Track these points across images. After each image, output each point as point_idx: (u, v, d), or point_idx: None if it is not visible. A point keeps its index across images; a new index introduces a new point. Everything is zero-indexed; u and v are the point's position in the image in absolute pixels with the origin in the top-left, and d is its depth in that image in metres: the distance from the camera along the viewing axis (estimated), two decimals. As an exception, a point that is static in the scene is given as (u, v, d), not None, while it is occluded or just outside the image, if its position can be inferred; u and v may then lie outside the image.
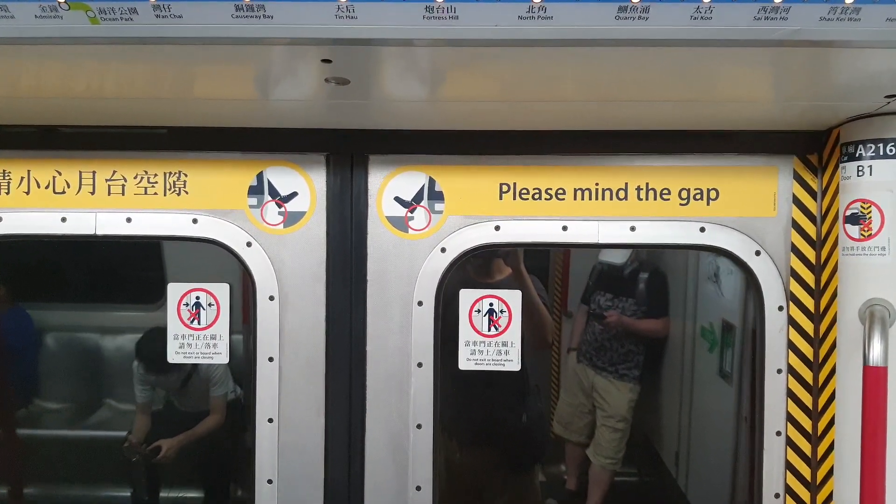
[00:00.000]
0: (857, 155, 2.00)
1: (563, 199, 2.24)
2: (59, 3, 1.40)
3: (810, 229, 2.21)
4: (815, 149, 2.19)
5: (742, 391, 4.01)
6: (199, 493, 4.49)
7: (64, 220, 2.27)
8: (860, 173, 1.99)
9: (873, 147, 1.97)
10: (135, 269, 5.19)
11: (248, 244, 2.27)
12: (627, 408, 4.54)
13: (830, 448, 2.13)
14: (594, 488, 4.53)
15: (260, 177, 2.28)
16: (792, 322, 2.21)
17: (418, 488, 2.29)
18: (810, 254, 2.21)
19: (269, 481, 2.30)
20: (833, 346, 2.11)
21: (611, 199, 2.24)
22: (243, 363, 4.18)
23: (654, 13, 1.38)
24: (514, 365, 2.32)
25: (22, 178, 2.28)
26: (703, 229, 2.22)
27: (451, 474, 3.38)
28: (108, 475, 4.43)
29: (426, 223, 2.27)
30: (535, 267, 3.23)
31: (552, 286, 5.30)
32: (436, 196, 2.27)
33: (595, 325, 4.59)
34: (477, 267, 3.01)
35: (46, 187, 2.28)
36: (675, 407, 4.97)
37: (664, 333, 4.77)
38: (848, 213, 2.02)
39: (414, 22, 1.39)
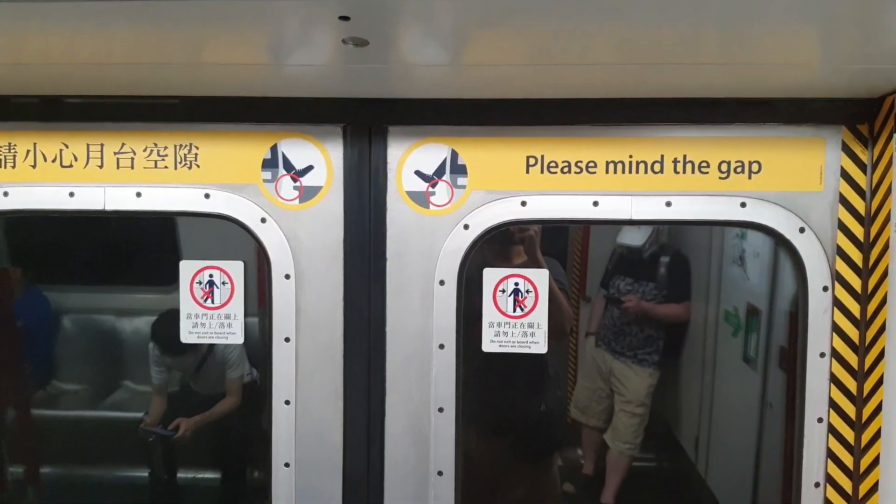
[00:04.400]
0: (912, 125, 1.90)
1: (594, 173, 2.17)
2: (62, -43, 1.33)
3: (859, 204, 2.12)
4: (866, 118, 2.09)
5: (767, 377, 3.97)
6: (215, 475, 4.53)
7: (72, 194, 2.23)
8: (915, 144, 1.89)
9: (931, 116, 1.87)
10: (149, 250, 5.19)
11: (263, 220, 2.22)
12: (646, 393, 4.53)
13: (876, 435, 2.06)
14: (612, 473, 4.54)
15: (274, 149, 2.22)
16: (837, 303, 2.13)
17: (440, 473, 2.26)
18: (858, 231, 2.12)
19: (287, 465, 2.28)
20: (882, 329, 2.03)
21: (645, 172, 2.16)
22: (259, 345, 4.19)
23: (701, -39, 1.28)
24: (541, 347, 2.27)
25: (28, 150, 2.24)
26: (743, 204, 2.14)
27: (473, 459, 3.36)
28: (126, 456, 4.48)
29: (448, 198, 2.21)
30: (554, 251, 3.19)
31: (571, 269, 5.27)
32: (458, 170, 2.20)
33: (614, 309, 4.57)
34: (495, 252, 2.95)
35: (53, 161, 2.24)
36: (695, 392, 4.97)
37: (685, 318, 4.72)
38: (901, 186, 1.91)
39: None
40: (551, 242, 3.33)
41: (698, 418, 4.89)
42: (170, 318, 4.09)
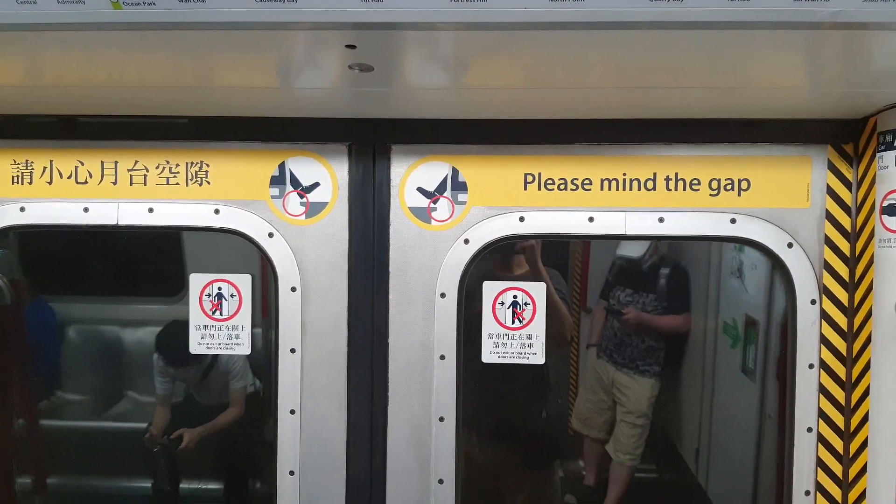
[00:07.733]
0: (895, 144, 1.94)
1: (590, 190, 2.21)
2: (82, -13, 1.39)
3: (845, 221, 2.15)
4: (851, 138, 2.13)
5: (765, 388, 3.98)
6: (218, 485, 4.52)
7: (86, 210, 2.28)
8: (898, 163, 1.94)
9: (912, 136, 1.92)
10: (155, 262, 5.22)
11: (270, 235, 2.27)
12: (647, 404, 4.51)
13: (864, 445, 2.09)
14: (613, 485, 4.51)
15: (282, 167, 2.27)
16: (825, 316, 2.16)
17: (441, 481, 2.28)
18: (844, 246, 2.16)
19: (291, 473, 2.30)
20: (868, 341, 2.06)
21: (638, 189, 2.20)
22: (262, 356, 4.20)
23: (691, -6, 1.34)
24: (539, 358, 2.29)
25: (44, 167, 2.29)
26: (733, 220, 2.18)
27: (473, 468, 3.36)
28: (130, 466, 4.48)
29: (449, 214, 2.25)
30: (555, 262, 3.20)
31: (572, 281, 5.26)
32: (459, 186, 2.24)
33: (615, 320, 4.55)
34: (497, 262, 2.99)
35: (69, 177, 2.29)
36: (695, 403, 4.94)
37: (685, 329, 4.71)
38: (885, 203, 1.96)
39: (441, 5, 1.36)
40: (552, 253, 3.35)
41: (699, 429, 4.86)
42: (174, 329, 4.16)
